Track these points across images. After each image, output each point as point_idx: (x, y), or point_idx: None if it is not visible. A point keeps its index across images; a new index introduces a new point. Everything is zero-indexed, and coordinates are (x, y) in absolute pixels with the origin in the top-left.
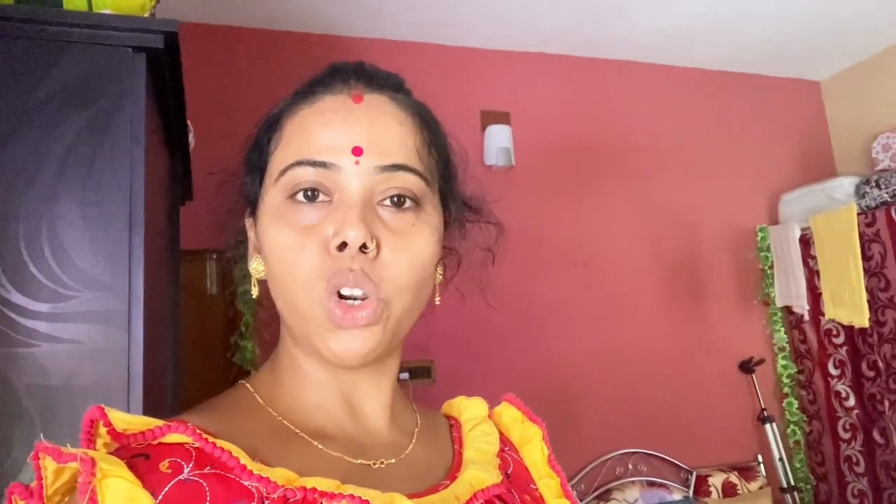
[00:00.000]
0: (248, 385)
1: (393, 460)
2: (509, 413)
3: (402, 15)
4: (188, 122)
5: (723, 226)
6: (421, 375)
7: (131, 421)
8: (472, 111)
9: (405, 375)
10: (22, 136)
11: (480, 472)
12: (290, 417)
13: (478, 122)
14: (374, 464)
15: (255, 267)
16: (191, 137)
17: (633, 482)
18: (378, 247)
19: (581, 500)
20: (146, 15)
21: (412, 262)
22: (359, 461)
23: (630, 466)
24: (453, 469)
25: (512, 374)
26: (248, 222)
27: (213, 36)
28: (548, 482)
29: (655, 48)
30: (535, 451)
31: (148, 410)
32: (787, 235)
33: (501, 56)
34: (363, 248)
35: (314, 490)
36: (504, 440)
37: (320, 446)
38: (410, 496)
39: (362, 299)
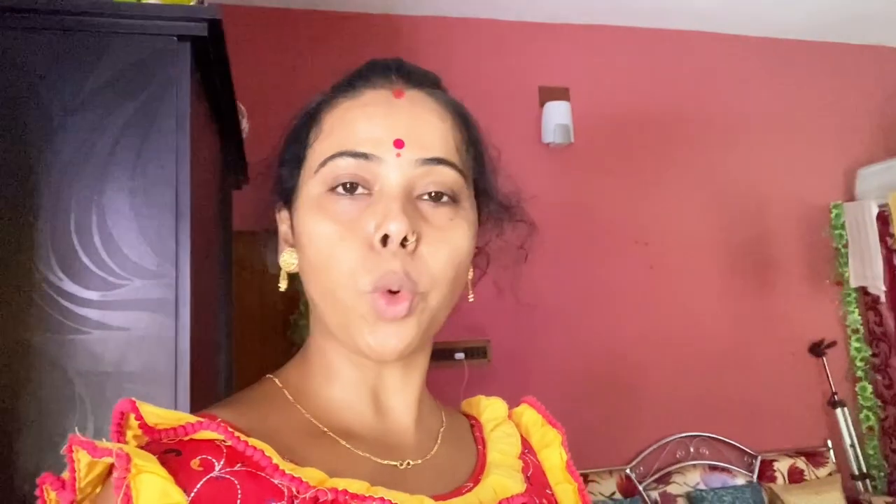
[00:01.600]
0: (275, 380)
1: (419, 461)
2: (529, 415)
3: None
4: (241, 107)
5: (794, 202)
6: (476, 355)
7: (163, 415)
8: (529, 88)
9: (461, 355)
10: (72, 128)
11: (506, 478)
12: (318, 415)
13: (535, 99)
14: (401, 465)
15: (287, 260)
16: (244, 122)
17: (693, 466)
18: (417, 240)
19: (640, 483)
20: (192, 3)
21: (451, 257)
22: (386, 462)
23: (691, 450)
24: (477, 471)
25: (569, 355)
26: (279, 215)
27: (272, 19)
28: (565, 487)
29: (720, 17)
30: (553, 455)
31: (195, 395)
32: (864, 213)
33: (559, 30)
34: (404, 241)
35: (345, 492)
36: (523, 442)
37: (348, 446)
38: (436, 498)
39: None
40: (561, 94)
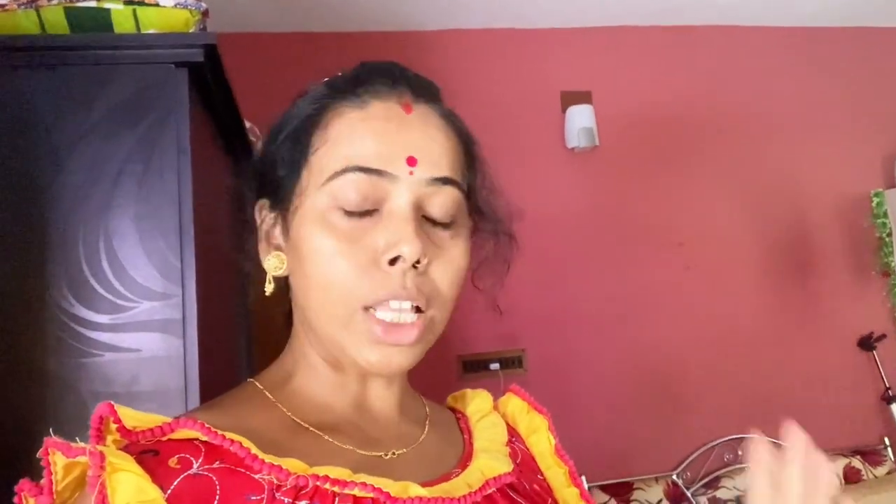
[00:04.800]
0: (256, 383)
1: (404, 450)
2: (514, 403)
3: (474, 2)
4: (256, 130)
5: (833, 193)
6: (512, 365)
7: (141, 418)
8: (551, 94)
9: (495, 366)
10: (79, 157)
11: (492, 460)
12: (299, 413)
13: (558, 104)
14: (386, 455)
15: (275, 264)
16: (259, 144)
17: (742, 469)
18: (428, 262)
19: (688, 489)
20: (191, 30)
21: (456, 277)
22: (370, 453)
23: (739, 452)
24: (464, 458)
25: (607, 361)
26: (259, 213)
27: (288, 45)
28: (556, 472)
29: (743, 10)
30: (541, 440)
31: None
32: None
33: (578, 33)
34: (416, 263)
35: (326, 478)
36: (511, 431)
37: (330, 439)
38: (423, 484)
39: (414, 311)
40: (583, 97)
